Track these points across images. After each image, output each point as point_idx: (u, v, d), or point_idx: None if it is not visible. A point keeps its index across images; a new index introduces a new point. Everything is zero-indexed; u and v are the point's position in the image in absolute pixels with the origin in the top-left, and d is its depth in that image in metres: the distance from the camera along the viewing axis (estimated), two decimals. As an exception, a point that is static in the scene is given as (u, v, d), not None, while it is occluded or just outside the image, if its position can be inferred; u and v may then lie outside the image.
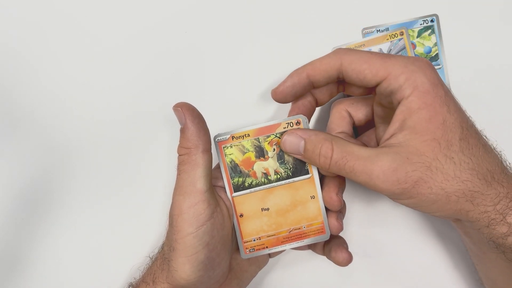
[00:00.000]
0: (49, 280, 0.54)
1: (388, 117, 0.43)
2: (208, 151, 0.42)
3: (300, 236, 0.46)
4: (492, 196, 0.39)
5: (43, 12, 0.55)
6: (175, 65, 0.55)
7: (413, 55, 0.53)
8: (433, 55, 0.54)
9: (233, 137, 0.44)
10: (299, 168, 0.45)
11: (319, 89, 0.46)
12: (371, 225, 0.55)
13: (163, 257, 0.45)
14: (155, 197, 0.54)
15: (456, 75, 0.54)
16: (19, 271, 0.54)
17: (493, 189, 0.39)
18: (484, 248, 0.42)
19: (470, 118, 0.41)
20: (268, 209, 0.45)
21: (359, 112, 0.46)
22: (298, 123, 0.44)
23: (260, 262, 0.51)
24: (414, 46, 0.54)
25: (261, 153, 0.45)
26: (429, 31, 0.54)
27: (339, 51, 0.42)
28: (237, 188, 0.45)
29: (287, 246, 0.46)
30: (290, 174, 0.45)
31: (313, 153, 0.41)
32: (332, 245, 0.47)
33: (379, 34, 0.53)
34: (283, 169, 0.45)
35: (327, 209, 0.46)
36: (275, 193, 0.45)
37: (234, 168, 0.45)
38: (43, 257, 0.54)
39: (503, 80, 0.54)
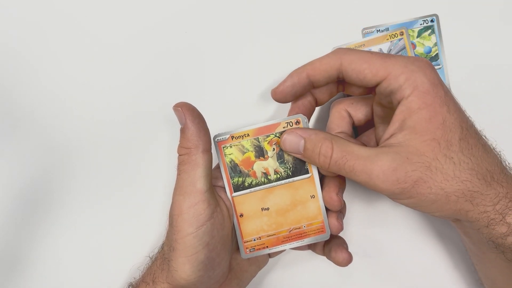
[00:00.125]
0: (49, 280, 0.54)
1: (387, 117, 0.43)
2: (208, 151, 0.42)
3: (300, 235, 0.46)
4: (491, 196, 0.39)
5: (43, 12, 0.55)
6: (175, 65, 0.55)
7: (413, 55, 0.53)
8: (433, 55, 0.54)
9: (232, 137, 0.44)
10: (299, 167, 0.45)
11: (319, 89, 0.46)
12: (371, 225, 0.55)
13: (163, 257, 0.45)
14: (155, 197, 0.54)
15: (456, 75, 0.54)
16: (19, 271, 0.54)
17: (493, 189, 0.39)
18: (484, 248, 0.42)
19: (470, 118, 0.41)
20: (268, 208, 0.46)
21: (359, 112, 0.46)
22: (297, 122, 0.44)
23: (260, 262, 0.51)
24: (414, 46, 0.54)
25: (260, 153, 0.45)
26: (429, 31, 0.54)
27: (339, 51, 0.42)
28: (237, 188, 0.45)
29: (287, 246, 0.46)
30: (290, 173, 0.45)
31: (313, 152, 0.41)
32: (332, 245, 0.47)
33: (379, 34, 0.53)
34: (283, 168, 0.45)
35: (327, 209, 0.46)
36: (275, 192, 0.45)
37: (234, 168, 0.45)
38: (43, 257, 0.54)
39: (503, 80, 0.54)
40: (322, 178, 0.46)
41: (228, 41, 0.55)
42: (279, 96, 0.44)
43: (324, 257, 0.49)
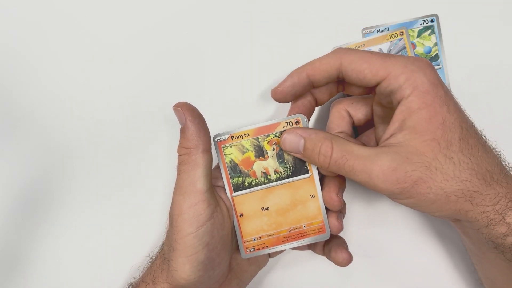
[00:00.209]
0: (49, 280, 0.54)
1: (387, 117, 0.43)
2: (208, 151, 0.42)
3: (300, 235, 0.46)
4: (491, 196, 0.39)
5: (43, 12, 0.55)
6: (175, 65, 0.55)
7: (413, 55, 0.53)
8: (433, 55, 0.54)
9: (232, 137, 0.44)
10: (298, 167, 0.45)
11: (318, 89, 0.46)
12: (371, 225, 0.55)
13: (163, 257, 0.45)
14: (155, 197, 0.54)
15: (456, 75, 0.54)
16: (19, 271, 0.54)
17: (492, 189, 0.39)
18: (484, 248, 0.42)
19: (470, 118, 0.41)
20: (268, 208, 0.46)
21: (359, 112, 0.46)
22: (297, 122, 0.44)
23: (260, 262, 0.51)
24: (414, 46, 0.54)
25: (260, 153, 0.45)
26: (429, 31, 0.54)
27: (339, 51, 0.42)
28: (237, 188, 0.45)
29: (287, 246, 0.46)
30: (290, 173, 0.45)
31: (312, 152, 0.41)
32: (332, 245, 0.47)
33: (379, 34, 0.53)
34: (282, 168, 0.45)
35: (327, 209, 0.46)
36: (275, 192, 0.45)
37: (234, 168, 0.45)
38: (43, 257, 0.54)
39: (503, 80, 0.54)
40: (322, 178, 0.46)
41: (228, 41, 0.55)
42: (279, 96, 0.44)
43: (324, 257, 0.49)
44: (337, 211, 0.46)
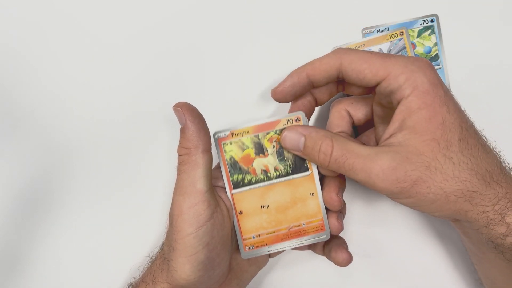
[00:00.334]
0: (49, 280, 0.54)
1: (387, 117, 0.43)
2: (208, 151, 0.42)
3: (299, 233, 0.46)
4: (490, 196, 0.39)
5: (43, 12, 0.55)
6: (175, 65, 0.55)
7: (413, 55, 0.53)
8: (433, 55, 0.54)
9: (232, 134, 0.44)
10: (298, 165, 0.45)
11: (318, 89, 0.46)
12: (371, 225, 0.55)
13: (163, 257, 0.45)
14: (155, 197, 0.54)
15: (456, 75, 0.54)
16: (19, 271, 0.54)
17: (492, 189, 0.39)
18: (483, 248, 0.42)
19: (470, 118, 0.41)
20: (267, 206, 0.45)
21: (359, 112, 0.46)
22: (298, 120, 0.44)
23: (260, 262, 0.51)
24: (414, 46, 0.54)
25: (260, 150, 0.44)
26: (429, 31, 0.54)
27: (339, 51, 0.42)
28: (237, 185, 0.45)
29: (286, 244, 0.46)
30: (290, 171, 0.45)
31: (312, 150, 0.41)
32: (332, 245, 0.47)
33: (379, 34, 0.53)
34: (282, 166, 0.45)
35: (327, 209, 0.46)
36: (275, 190, 0.45)
37: (234, 165, 0.45)
38: (43, 257, 0.54)
39: (503, 80, 0.54)
40: (322, 178, 0.46)
41: (228, 41, 0.55)
42: (279, 96, 0.44)
43: (324, 257, 0.49)
44: (337, 211, 0.46)
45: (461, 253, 0.54)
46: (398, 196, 0.39)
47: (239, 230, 0.46)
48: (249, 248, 0.46)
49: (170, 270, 0.42)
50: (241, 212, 0.46)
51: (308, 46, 0.55)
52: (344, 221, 0.48)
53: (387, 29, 0.54)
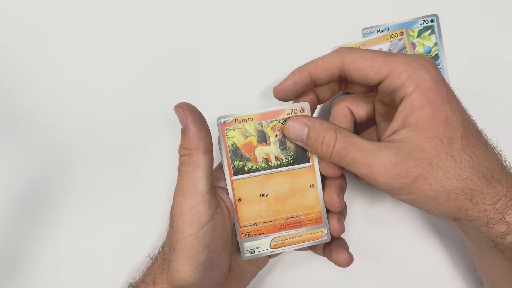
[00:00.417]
0: (49, 280, 0.54)
1: (389, 115, 0.44)
2: (209, 152, 0.42)
3: (297, 224, 0.46)
4: (491, 195, 0.39)
5: (43, 12, 0.55)
6: (175, 65, 0.55)
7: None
8: (433, 55, 0.54)
9: (236, 120, 0.44)
10: (300, 155, 0.45)
11: (320, 87, 0.46)
12: (372, 226, 0.55)
13: (163, 258, 0.45)
14: (155, 197, 0.54)
15: (456, 75, 0.54)
16: (19, 271, 0.54)
17: (493, 188, 0.39)
18: (483, 247, 0.42)
19: (471, 117, 0.41)
20: (266, 195, 0.45)
21: (361, 110, 0.47)
22: (302, 110, 0.44)
23: (260, 263, 0.51)
24: (414, 46, 0.54)
25: (263, 138, 0.44)
26: (429, 31, 0.54)
27: (341, 50, 0.42)
28: (237, 171, 0.45)
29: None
30: (291, 161, 0.45)
31: (315, 141, 0.42)
32: (332, 246, 0.47)
33: (379, 34, 0.53)
34: (284, 155, 0.45)
35: (328, 210, 0.46)
36: (275, 179, 0.45)
37: (235, 151, 0.45)
38: (43, 257, 0.54)
39: (503, 79, 0.54)
40: (323, 178, 0.46)
41: (228, 41, 0.55)
42: (280, 94, 0.44)
43: (325, 258, 0.49)
44: (338, 213, 0.46)
45: (461, 253, 0.54)
46: (399, 192, 0.39)
47: (236, 217, 0.45)
48: (245, 236, 0.46)
49: (171, 270, 0.42)
50: (239, 199, 0.45)
51: (308, 46, 0.55)
52: (345, 222, 0.48)
53: (387, 29, 0.53)
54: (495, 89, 0.54)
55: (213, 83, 0.55)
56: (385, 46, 0.53)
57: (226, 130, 0.44)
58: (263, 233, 0.46)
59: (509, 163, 0.42)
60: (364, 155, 0.39)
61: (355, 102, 0.47)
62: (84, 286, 0.54)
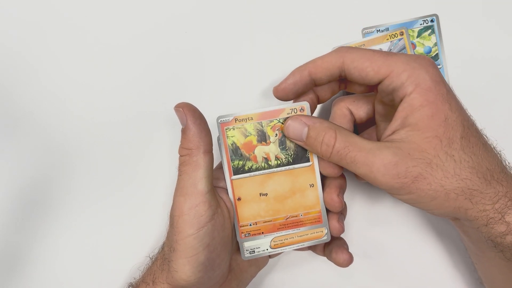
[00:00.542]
0: (49, 280, 0.54)
1: (389, 115, 0.44)
2: (209, 152, 0.42)
3: (296, 224, 0.46)
4: (491, 195, 0.39)
5: (43, 12, 0.55)
6: (175, 65, 0.55)
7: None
8: (433, 55, 0.54)
9: (236, 120, 0.44)
10: (300, 155, 0.45)
11: (320, 87, 0.46)
12: (372, 226, 0.56)
13: (163, 258, 0.45)
14: (155, 197, 0.54)
15: (456, 75, 0.54)
16: (19, 271, 0.54)
17: (492, 188, 0.39)
18: (483, 247, 0.43)
19: (471, 117, 0.41)
20: (266, 194, 0.45)
21: (361, 110, 0.47)
22: (302, 109, 0.44)
23: (259, 263, 0.51)
24: (414, 46, 0.54)
25: (263, 138, 0.44)
26: (429, 31, 0.54)
27: (341, 49, 0.42)
28: (237, 171, 0.45)
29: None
30: (291, 160, 0.45)
31: (315, 141, 0.42)
32: (332, 246, 0.47)
33: (379, 34, 0.53)
34: (284, 155, 0.45)
35: (328, 210, 0.46)
36: (275, 178, 0.45)
37: (235, 151, 0.45)
38: (43, 257, 0.54)
39: (503, 80, 0.54)
40: (323, 178, 0.46)
41: (228, 41, 0.55)
42: (280, 93, 0.44)
43: (325, 258, 0.49)
44: (338, 213, 0.46)
45: (461, 253, 0.54)
46: (399, 191, 0.40)
47: (236, 217, 0.45)
48: (245, 235, 0.46)
49: (171, 270, 0.42)
50: (239, 199, 0.45)
51: (308, 46, 0.55)
52: (345, 221, 0.48)
53: (387, 29, 0.54)
54: (495, 89, 0.54)
55: (213, 83, 0.55)
56: (385, 46, 0.53)
57: (226, 129, 0.44)
58: (262, 233, 0.46)
59: (508, 163, 0.42)
60: (364, 154, 0.39)
61: (354, 103, 0.47)
62: (84, 286, 0.54)
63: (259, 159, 0.45)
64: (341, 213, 0.47)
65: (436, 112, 0.38)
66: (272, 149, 0.45)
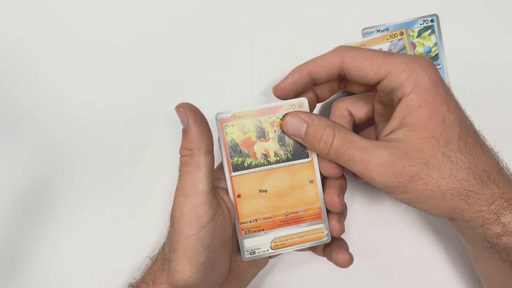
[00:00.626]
0: (49, 280, 0.54)
1: (388, 115, 0.44)
2: (210, 152, 0.42)
3: (296, 220, 0.46)
4: (487, 196, 0.39)
5: (43, 12, 0.55)
6: (175, 65, 0.55)
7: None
8: (433, 55, 0.54)
9: (234, 116, 0.44)
10: (299, 151, 0.45)
11: (320, 86, 0.47)
12: (372, 227, 0.56)
13: (163, 258, 0.45)
14: (155, 197, 0.55)
15: (456, 75, 0.54)
16: (19, 271, 0.54)
17: (488, 189, 0.39)
18: (479, 248, 0.43)
19: (469, 118, 0.42)
20: (266, 191, 0.46)
21: (360, 111, 0.47)
22: (300, 105, 0.44)
23: (260, 263, 0.51)
24: (414, 46, 0.54)
25: (262, 134, 0.45)
26: (429, 31, 0.54)
27: (341, 49, 0.42)
28: (236, 168, 0.45)
29: (283, 232, 0.46)
30: (290, 156, 0.45)
31: (313, 138, 0.42)
32: (332, 247, 0.48)
33: (379, 34, 0.53)
34: (283, 151, 0.45)
35: (328, 211, 0.46)
36: (274, 175, 0.45)
37: (234, 148, 0.45)
38: (43, 257, 0.54)
39: (503, 80, 0.55)
40: (323, 179, 0.46)
41: (228, 41, 0.55)
42: (280, 92, 0.45)
43: (325, 258, 0.49)
44: (338, 213, 0.47)
45: (460, 253, 0.54)
46: (395, 191, 0.40)
47: (236, 214, 0.46)
48: (245, 232, 0.46)
49: (171, 271, 0.43)
50: (239, 196, 0.45)
51: (308, 46, 0.55)
52: (345, 222, 0.48)
53: (387, 29, 0.54)
54: (494, 90, 0.54)
55: (213, 83, 0.55)
56: (385, 46, 0.53)
57: (225, 126, 0.44)
58: (263, 230, 0.46)
59: (506, 164, 0.43)
60: (361, 153, 0.40)
61: (354, 104, 0.47)
62: (84, 286, 0.54)
63: (259, 155, 0.45)
64: (342, 213, 0.47)
65: (434, 113, 0.39)
66: (271, 146, 0.45)
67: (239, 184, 0.45)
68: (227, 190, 0.46)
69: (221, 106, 0.54)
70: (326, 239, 0.47)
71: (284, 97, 0.45)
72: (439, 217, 0.51)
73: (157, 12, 0.55)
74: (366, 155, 0.39)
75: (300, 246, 0.47)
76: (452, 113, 0.39)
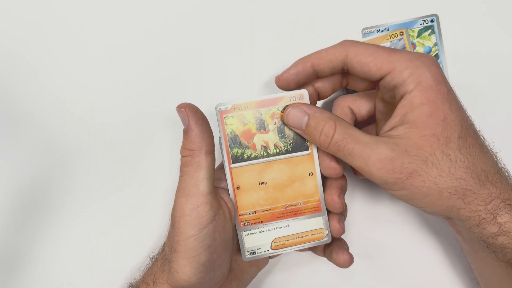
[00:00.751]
0: (49, 280, 0.54)
1: (389, 112, 0.44)
2: (211, 153, 0.42)
3: (296, 212, 0.46)
4: (484, 195, 0.40)
5: (43, 12, 0.55)
6: (175, 65, 0.55)
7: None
8: (433, 55, 0.54)
9: (234, 107, 0.44)
10: (299, 143, 0.45)
11: (322, 81, 0.47)
12: (372, 227, 0.56)
13: (164, 258, 0.45)
14: (155, 197, 0.55)
15: (456, 75, 0.55)
16: (19, 271, 0.54)
17: (486, 189, 0.40)
18: (476, 247, 0.43)
19: (470, 118, 0.42)
20: (265, 183, 0.46)
21: (362, 109, 0.47)
22: (301, 97, 0.44)
23: (260, 263, 0.52)
24: (414, 46, 0.54)
25: (262, 126, 0.45)
26: (429, 31, 0.54)
27: (346, 43, 0.43)
28: (236, 159, 0.45)
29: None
30: (290, 149, 0.45)
31: (314, 130, 0.42)
32: (333, 247, 0.48)
33: (379, 34, 0.54)
34: (283, 143, 0.45)
35: (328, 211, 0.46)
36: (274, 167, 0.45)
37: (234, 139, 0.45)
38: (43, 257, 0.54)
39: (503, 80, 0.55)
40: (323, 179, 0.46)
41: (228, 41, 0.55)
42: (282, 83, 0.45)
43: (325, 259, 0.49)
44: (339, 214, 0.47)
45: (459, 253, 0.55)
46: (393, 187, 0.40)
47: (235, 205, 0.46)
48: (244, 224, 0.46)
49: (171, 271, 0.43)
50: (238, 187, 0.46)
51: (308, 46, 0.54)
52: (345, 222, 0.48)
53: (387, 29, 0.54)
54: (494, 89, 0.55)
55: (213, 83, 0.56)
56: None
57: (224, 117, 0.44)
58: (262, 222, 0.46)
59: (504, 164, 0.43)
60: (361, 147, 0.40)
61: (356, 102, 0.47)
62: (84, 286, 0.55)
63: (258, 147, 0.45)
64: (342, 214, 0.48)
65: (435, 111, 0.39)
66: (271, 137, 0.45)
67: (238, 176, 0.45)
68: (227, 185, 0.46)
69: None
70: (326, 239, 0.47)
71: (285, 88, 0.45)
72: (436, 216, 0.51)
73: (157, 12, 0.55)
74: (366, 150, 0.40)
75: (301, 247, 0.47)
76: (453, 112, 0.39)
